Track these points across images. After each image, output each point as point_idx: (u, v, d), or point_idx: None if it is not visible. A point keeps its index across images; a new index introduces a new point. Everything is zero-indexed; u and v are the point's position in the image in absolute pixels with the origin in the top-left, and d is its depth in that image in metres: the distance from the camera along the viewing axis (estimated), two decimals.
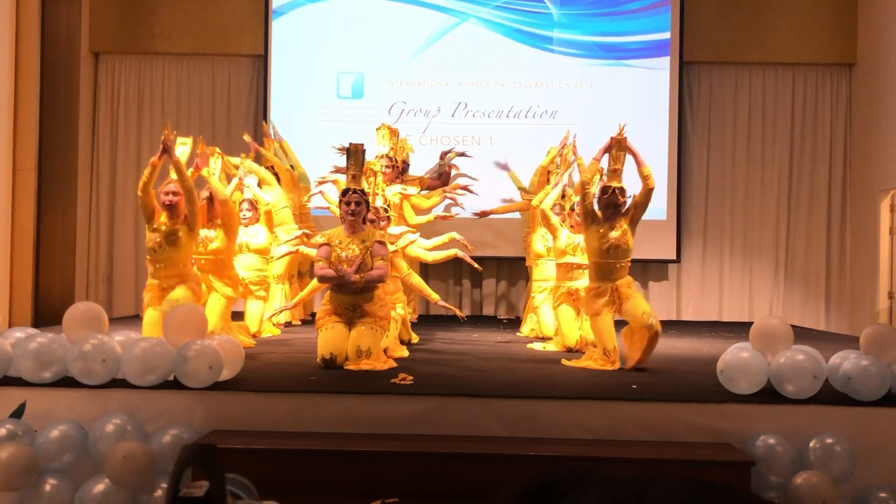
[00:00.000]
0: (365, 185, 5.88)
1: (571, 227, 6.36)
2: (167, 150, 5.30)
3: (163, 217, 5.38)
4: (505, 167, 8.98)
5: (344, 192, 5.35)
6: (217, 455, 1.60)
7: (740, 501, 0.77)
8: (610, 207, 5.35)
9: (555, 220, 6.43)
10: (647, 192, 5.34)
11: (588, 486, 0.77)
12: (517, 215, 8.71)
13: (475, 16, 9.52)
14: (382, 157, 7.04)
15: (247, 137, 8.09)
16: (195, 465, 1.60)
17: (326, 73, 9.49)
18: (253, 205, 6.90)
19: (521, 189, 8.48)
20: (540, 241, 7.16)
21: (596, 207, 5.42)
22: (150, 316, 5.32)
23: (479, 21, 9.52)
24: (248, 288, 6.70)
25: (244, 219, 6.75)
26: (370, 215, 5.65)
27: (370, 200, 5.77)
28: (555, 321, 6.51)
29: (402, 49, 9.49)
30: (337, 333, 5.12)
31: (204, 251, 5.78)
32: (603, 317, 5.32)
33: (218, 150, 6.28)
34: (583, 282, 6.03)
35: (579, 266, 6.19)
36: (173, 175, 5.41)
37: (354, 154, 5.40)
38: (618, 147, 5.37)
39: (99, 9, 9.50)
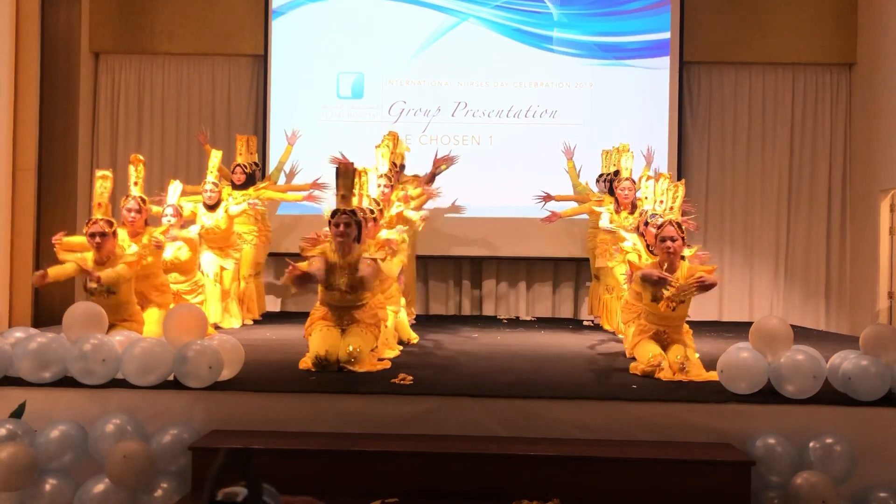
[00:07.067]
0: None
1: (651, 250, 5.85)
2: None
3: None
4: (569, 155, 8.67)
5: (333, 214, 5.23)
6: (253, 460, 1.61)
7: None
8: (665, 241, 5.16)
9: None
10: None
11: None
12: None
13: (475, 16, 9.52)
14: (382, 176, 6.90)
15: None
16: (233, 470, 1.61)
17: (326, 73, 9.49)
18: (177, 211, 6.65)
19: (577, 185, 8.46)
20: None
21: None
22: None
23: (479, 21, 9.51)
24: (182, 297, 6.52)
25: (170, 223, 6.47)
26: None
27: (357, 201, 5.71)
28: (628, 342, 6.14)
29: (402, 49, 9.48)
30: (330, 334, 5.10)
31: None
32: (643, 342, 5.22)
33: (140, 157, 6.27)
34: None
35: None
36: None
37: (344, 174, 5.28)
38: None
39: (99, 9, 9.49)
